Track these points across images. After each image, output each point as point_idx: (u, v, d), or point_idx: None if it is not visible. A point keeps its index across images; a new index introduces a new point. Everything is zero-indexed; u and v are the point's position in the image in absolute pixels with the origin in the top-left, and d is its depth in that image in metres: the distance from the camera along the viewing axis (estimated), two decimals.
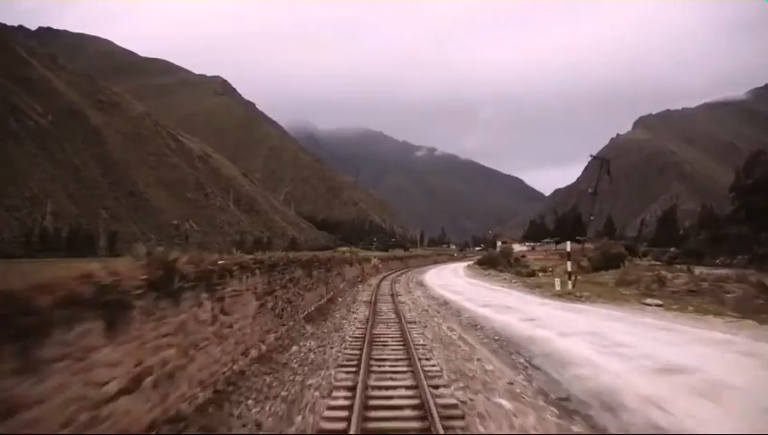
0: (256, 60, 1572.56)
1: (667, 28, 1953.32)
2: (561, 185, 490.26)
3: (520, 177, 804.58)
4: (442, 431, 5.38)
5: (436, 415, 5.79)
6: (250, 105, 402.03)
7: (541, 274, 42.85)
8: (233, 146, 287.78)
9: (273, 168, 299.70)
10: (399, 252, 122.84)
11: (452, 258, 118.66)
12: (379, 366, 8.82)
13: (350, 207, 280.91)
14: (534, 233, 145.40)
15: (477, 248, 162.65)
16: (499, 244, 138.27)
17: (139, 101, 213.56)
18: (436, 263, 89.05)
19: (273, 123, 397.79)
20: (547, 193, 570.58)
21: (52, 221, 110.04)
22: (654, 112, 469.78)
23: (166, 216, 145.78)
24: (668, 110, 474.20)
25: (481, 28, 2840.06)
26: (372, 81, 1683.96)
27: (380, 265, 51.13)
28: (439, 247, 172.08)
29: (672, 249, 71.59)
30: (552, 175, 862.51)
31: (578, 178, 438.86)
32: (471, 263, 70.93)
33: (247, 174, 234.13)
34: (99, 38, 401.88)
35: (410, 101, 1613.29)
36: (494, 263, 55.99)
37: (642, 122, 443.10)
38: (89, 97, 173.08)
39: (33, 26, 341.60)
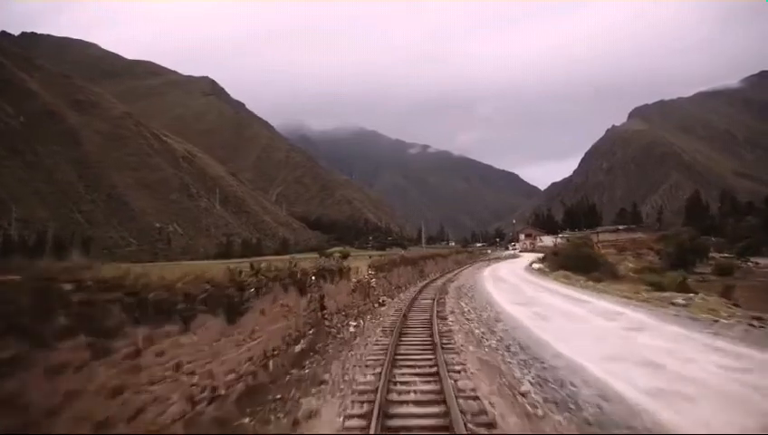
0: (246, 60, 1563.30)
1: (659, 19, 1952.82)
2: (557, 179, 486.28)
3: (515, 172, 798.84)
4: None
5: None
6: (240, 105, 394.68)
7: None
8: (222, 147, 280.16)
9: (265, 168, 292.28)
10: (398, 251, 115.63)
11: (477, 258, 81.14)
12: None
13: (344, 207, 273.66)
14: (542, 225, 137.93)
15: (480, 245, 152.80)
16: (523, 237, 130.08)
17: (126, 104, 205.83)
18: (456, 265, 53.58)
19: (264, 123, 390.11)
20: (543, 187, 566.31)
21: (18, 228, 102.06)
22: (649, 103, 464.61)
23: (147, 219, 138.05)
24: (663, 100, 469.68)
25: (473, 24, 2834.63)
26: (365, 79, 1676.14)
27: (374, 281, 21.18)
28: (438, 245, 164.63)
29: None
30: (548, 169, 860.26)
31: (574, 171, 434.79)
32: (527, 264, 50.10)
33: (236, 174, 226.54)
34: (84, 42, 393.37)
35: (403, 99, 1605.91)
36: (584, 268, 35.93)
37: (638, 113, 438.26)
38: (66, 97, 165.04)
39: (15, 32, 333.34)
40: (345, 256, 77.54)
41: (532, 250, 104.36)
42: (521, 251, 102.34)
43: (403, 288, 26.32)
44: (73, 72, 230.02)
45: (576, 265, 36.10)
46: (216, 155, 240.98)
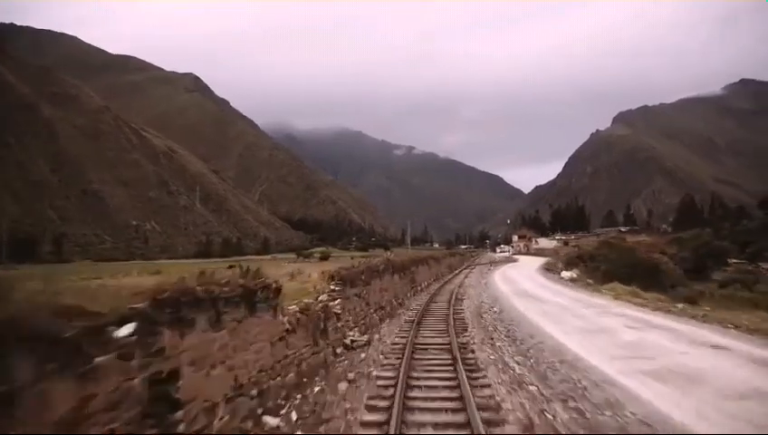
0: (232, 58, 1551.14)
1: (643, 27, 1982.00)
2: (540, 182, 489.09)
3: (499, 174, 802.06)
4: None
5: None
6: (224, 103, 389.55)
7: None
8: (205, 144, 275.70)
9: (248, 166, 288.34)
10: (382, 252, 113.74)
11: (469, 260, 71.89)
12: None
13: (328, 207, 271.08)
14: (528, 227, 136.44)
15: (464, 247, 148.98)
16: (516, 239, 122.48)
17: (107, 99, 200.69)
18: (451, 271, 44.10)
19: (249, 121, 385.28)
20: (526, 190, 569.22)
21: None
22: (633, 108, 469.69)
23: (124, 216, 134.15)
24: (647, 105, 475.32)
25: (460, 26, 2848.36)
26: (351, 80, 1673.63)
27: (338, 305, 11.30)
28: (422, 246, 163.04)
29: None
30: (532, 172, 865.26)
31: (558, 175, 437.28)
32: (540, 269, 43.65)
33: (218, 172, 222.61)
34: (66, 35, 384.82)
35: (389, 100, 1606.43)
36: (639, 278, 27.92)
37: (622, 118, 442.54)
38: (42, 90, 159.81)
39: None
40: (326, 257, 74.79)
41: (527, 253, 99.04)
42: (515, 253, 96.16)
43: (388, 309, 16.71)
44: (53, 65, 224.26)
45: (629, 275, 27.33)
46: (198, 152, 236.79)
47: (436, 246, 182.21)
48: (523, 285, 27.93)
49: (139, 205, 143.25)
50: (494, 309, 17.90)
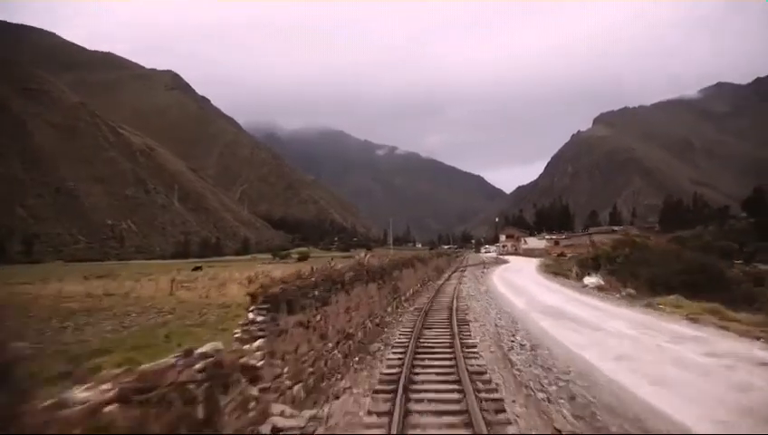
0: (214, 56, 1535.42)
1: (623, 30, 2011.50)
2: (522, 182, 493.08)
3: (481, 174, 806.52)
4: None
5: None
6: (204, 101, 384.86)
7: None
8: (184, 142, 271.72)
9: (229, 165, 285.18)
10: (362, 252, 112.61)
11: (456, 262, 64.65)
12: None
13: (310, 206, 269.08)
14: (514, 227, 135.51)
15: (447, 247, 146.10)
16: (503, 238, 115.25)
17: (84, 95, 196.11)
18: (439, 273, 39.32)
19: (230, 120, 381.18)
20: (508, 191, 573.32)
21: None
22: (614, 109, 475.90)
23: (99, 215, 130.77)
24: (626, 107, 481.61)
25: (444, 28, 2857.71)
26: (334, 79, 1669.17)
27: (260, 359, 5.55)
28: (404, 246, 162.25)
29: None
30: (513, 173, 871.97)
31: (540, 175, 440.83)
32: (539, 272, 38.93)
33: (198, 170, 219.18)
34: (41, 30, 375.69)
35: (372, 100, 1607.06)
36: (693, 285, 22.86)
37: (602, 120, 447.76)
38: (14, 84, 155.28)
39: None
40: (304, 258, 72.93)
41: (515, 253, 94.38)
42: (502, 254, 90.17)
43: (358, 339, 11.20)
44: (29, 61, 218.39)
45: (682, 283, 21.25)
46: (177, 150, 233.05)
47: (419, 246, 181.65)
48: (541, 297, 21.34)
49: (115, 204, 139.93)
50: (522, 341, 11.47)
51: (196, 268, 38.21)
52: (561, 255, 59.79)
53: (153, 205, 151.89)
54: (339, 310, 9.63)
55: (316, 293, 8.12)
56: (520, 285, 28.28)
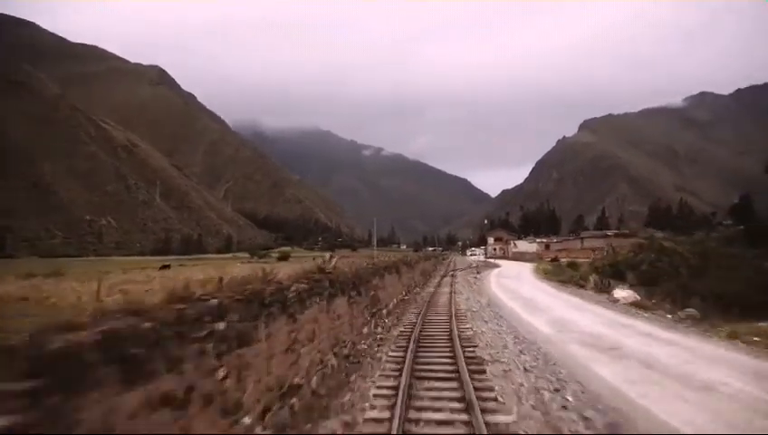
0: (202, 53, 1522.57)
1: (609, 39, 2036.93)
2: (507, 186, 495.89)
3: (466, 178, 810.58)
4: None
5: None
6: (190, 97, 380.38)
7: None
8: (169, 139, 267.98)
9: (213, 163, 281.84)
10: (347, 252, 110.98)
11: (442, 265, 57.60)
12: None
13: (294, 206, 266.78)
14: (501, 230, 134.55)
15: (432, 249, 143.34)
16: (491, 241, 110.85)
17: (66, 88, 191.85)
18: (427, 279, 34.80)
19: (215, 117, 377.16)
20: (493, 194, 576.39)
21: None
22: (598, 116, 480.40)
23: (78, 211, 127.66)
24: (611, 114, 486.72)
25: (431, 30, 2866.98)
26: (322, 79, 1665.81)
27: None
28: (389, 247, 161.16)
29: None
30: (499, 176, 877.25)
31: (525, 179, 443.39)
32: (549, 284, 30.99)
33: (182, 167, 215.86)
34: (20, 20, 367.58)
35: (359, 101, 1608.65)
36: None
37: (587, 126, 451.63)
38: None
39: None
40: (285, 257, 70.61)
41: (503, 256, 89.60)
42: (490, 258, 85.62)
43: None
44: (6, 50, 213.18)
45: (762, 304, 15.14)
46: (161, 147, 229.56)
47: (404, 247, 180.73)
48: (567, 316, 16.33)
49: (94, 199, 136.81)
50: (584, 409, 6.91)
51: (164, 267, 36.37)
52: (555, 259, 57.78)
53: (134, 201, 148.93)
54: (273, 350, 5.54)
55: (220, 326, 4.23)
56: (527, 295, 23.70)
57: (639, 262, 26.78)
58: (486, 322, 14.98)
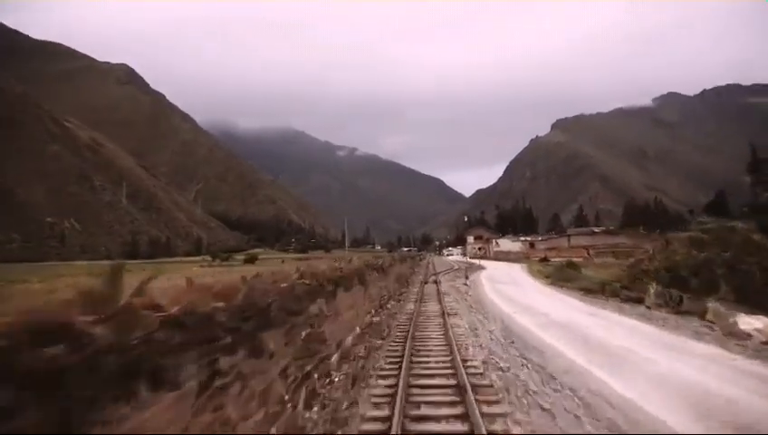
0: (172, 51, 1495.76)
1: (580, 37, 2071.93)
2: (481, 186, 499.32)
3: (440, 178, 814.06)
4: None
5: None
6: (159, 96, 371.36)
7: None
8: (137, 139, 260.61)
9: (184, 163, 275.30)
10: (320, 254, 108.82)
11: (420, 266, 54.65)
12: None
13: (267, 207, 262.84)
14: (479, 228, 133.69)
15: (407, 249, 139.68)
16: (471, 240, 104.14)
17: (29, 86, 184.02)
18: (404, 287, 27.96)
19: (186, 117, 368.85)
20: (468, 194, 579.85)
21: None
22: (570, 116, 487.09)
23: (38, 212, 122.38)
24: (583, 114, 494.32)
25: (403, 32, 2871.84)
26: (294, 78, 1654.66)
27: None
28: (363, 248, 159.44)
29: None
30: (473, 176, 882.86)
31: (499, 179, 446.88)
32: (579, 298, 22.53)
33: (150, 168, 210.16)
34: None
35: (332, 101, 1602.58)
36: None
37: (559, 125, 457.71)
38: None
39: None
40: (251, 260, 67.99)
41: (484, 256, 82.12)
42: (472, 257, 77.03)
43: None
44: None
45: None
46: (129, 147, 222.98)
47: (378, 248, 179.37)
48: (686, 377, 8.23)
49: (57, 201, 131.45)
50: None
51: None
52: (545, 259, 55.43)
53: (99, 203, 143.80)
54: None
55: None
56: (563, 320, 15.01)
57: (708, 263, 19.89)
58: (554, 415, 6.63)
